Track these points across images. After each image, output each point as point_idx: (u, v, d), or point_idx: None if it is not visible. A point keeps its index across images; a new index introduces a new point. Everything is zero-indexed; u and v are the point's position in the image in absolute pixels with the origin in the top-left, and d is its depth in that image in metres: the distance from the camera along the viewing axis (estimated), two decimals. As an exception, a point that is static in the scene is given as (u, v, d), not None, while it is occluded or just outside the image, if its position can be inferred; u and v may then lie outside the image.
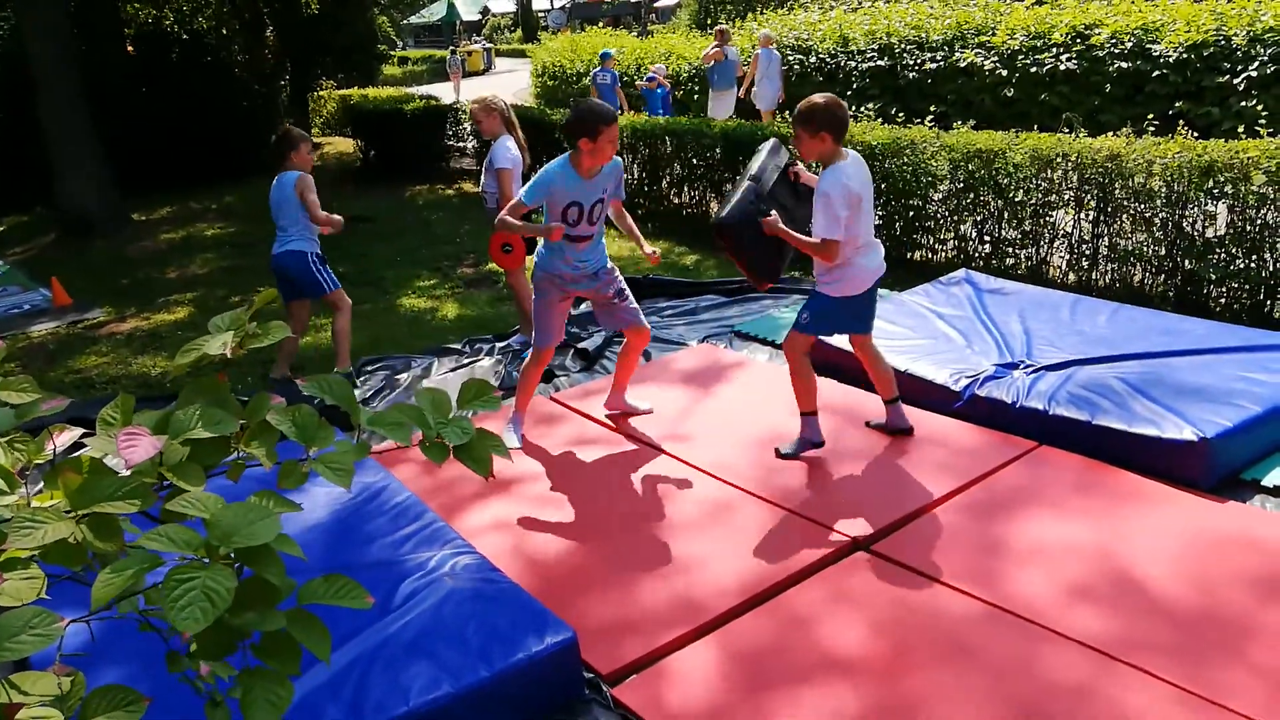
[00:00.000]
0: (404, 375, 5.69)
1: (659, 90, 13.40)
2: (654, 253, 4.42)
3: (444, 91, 21.13)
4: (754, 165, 4.11)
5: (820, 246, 3.86)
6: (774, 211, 3.95)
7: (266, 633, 1.42)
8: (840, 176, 3.79)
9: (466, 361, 5.84)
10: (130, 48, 14.69)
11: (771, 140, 4.22)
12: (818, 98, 3.85)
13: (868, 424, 4.41)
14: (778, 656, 2.90)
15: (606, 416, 4.72)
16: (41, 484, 1.57)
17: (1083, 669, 2.74)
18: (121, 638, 2.72)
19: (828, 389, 4.84)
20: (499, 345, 6.08)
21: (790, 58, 14.05)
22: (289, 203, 5.21)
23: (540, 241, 4.40)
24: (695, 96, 14.44)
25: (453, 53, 27.88)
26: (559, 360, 5.74)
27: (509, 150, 5.52)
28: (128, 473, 1.47)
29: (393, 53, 30.77)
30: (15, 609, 1.31)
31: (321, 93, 17.78)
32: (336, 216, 5.32)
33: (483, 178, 5.75)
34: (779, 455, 4.18)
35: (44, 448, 1.64)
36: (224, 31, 15.46)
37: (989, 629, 2.95)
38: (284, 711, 1.39)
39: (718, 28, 13.73)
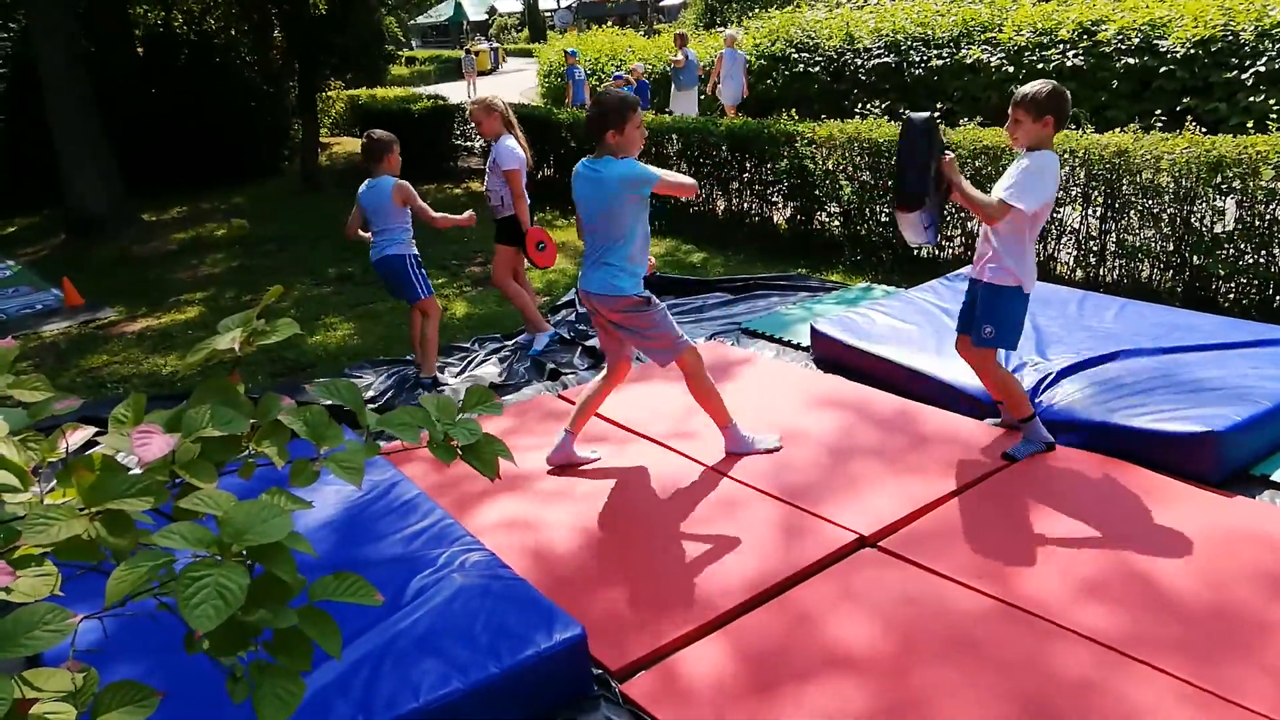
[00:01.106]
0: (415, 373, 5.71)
1: (627, 89, 13.72)
2: None
3: (451, 91, 21.15)
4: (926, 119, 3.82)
5: (996, 206, 3.63)
6: (949, 154, 3.76)
7: (278, 629, 1.44)
8: (1055, 160, 3.68)
9: (475, 360, 5.86)
10: (139, 49, 14.74)
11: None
12: (1048, 84, 3.66)
13: (989, 421, 4.24)
14: (786, 653, 2.91)
15: (552, 467, 4.25)
16: (55, 482, 1.58)
17: (1091, 665, 2.74)
18: (135, 633, 2.75)
19: (837, 386, 4.85)
20: (508, 344, 6.10)
21: (796, 55, 14.05)
22: (385, 207, 5.26)
23: (630, 260, 3.92)
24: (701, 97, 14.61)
25: (467, 53, 28.57)
26: (566, 358, 5.75)
27: (514, 150, 5.51)
28: (140, 470, 1.49)
29: (400, 53, 30.86)
30: (29, 605, 1.32)
31: (329, 93, 17.82)
32: (460, 217, 5.45)
33: (487, 178, 5.75)
34: (1007, 458, 3.95)
35: (57, 446, 1.65)
36: (232, 33, 15.51)
37: (997, 625, 2.95)
38: (295, 708, 1.40)
39: (677, 32, 14.76)
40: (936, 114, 3.74)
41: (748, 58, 13.98)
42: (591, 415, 4.33)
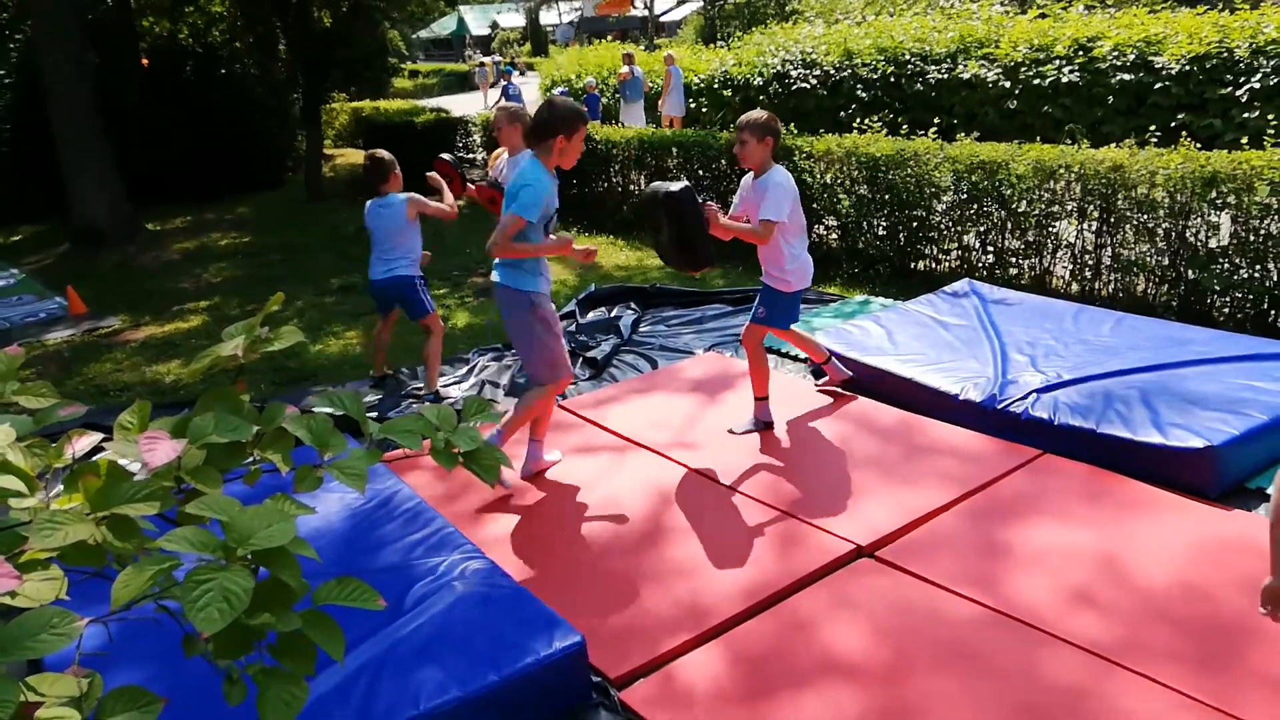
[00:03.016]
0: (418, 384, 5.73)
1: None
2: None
3: (454, 104, 21.22)
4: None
5: (761, 229, 4.21)
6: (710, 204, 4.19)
7: (282, 633, 1.45)
8: (784, 174, 4.29)
9: (476, 368, 5.89)
10: (144, 60, 14.80)
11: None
12: (764, 112, 4.33)
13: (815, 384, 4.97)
14: (783, 661, 2.92)
15: (532, 475, 4.29)
16: (60, 487, 1.60)
17: (1086, 675, 2.75)
18: (139, 638, 2.76)
19: (834, 397, 4.87)
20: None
21: (794, 72, 14.13)
22: (395, 225, 5.30)
23: (519, 264, 3.92)
24: (703, 111, 14.78)
25: (480, 66, 29.30)
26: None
27: None
28: (146, 476, 1.50)
29: (403, 66, 31.03)
30: (35, 609, 1.33)
31: (333, 105, 17.88)
32: (446, 206, 5.53)
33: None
34: (731, 432, 4.58)
35: (63, 452, 1.67)
36: (237, 45, 15.58)
37: (993, 635, 2.97)
38: (299, 711, 1.41)
39: (625, 51, 16.05)
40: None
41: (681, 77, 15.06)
42: (524, 424, 4.20)
